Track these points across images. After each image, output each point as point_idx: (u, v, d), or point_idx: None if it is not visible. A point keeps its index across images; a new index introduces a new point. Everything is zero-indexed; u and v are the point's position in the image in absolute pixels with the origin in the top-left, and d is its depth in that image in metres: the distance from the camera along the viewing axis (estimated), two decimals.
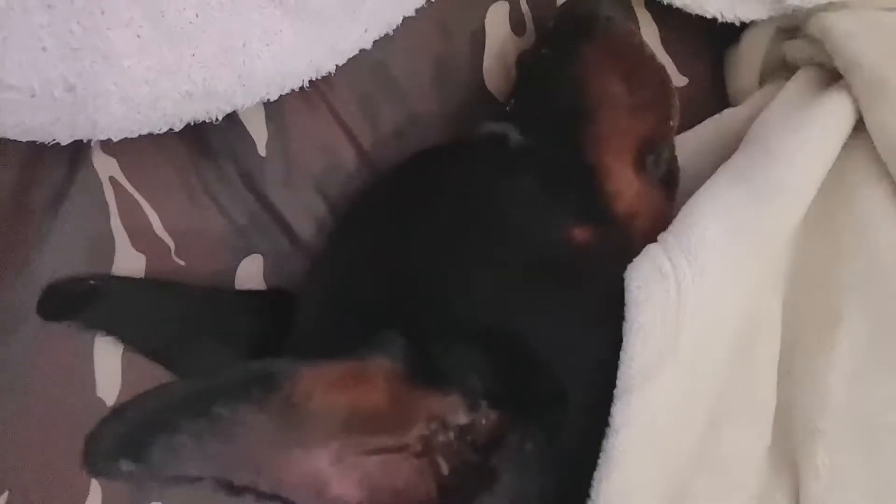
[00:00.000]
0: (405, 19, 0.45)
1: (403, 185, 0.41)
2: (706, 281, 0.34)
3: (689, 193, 0.39)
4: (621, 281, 0.34)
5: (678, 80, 0.52)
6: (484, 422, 0.31)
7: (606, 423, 0.31)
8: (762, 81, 0.51)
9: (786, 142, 0.40)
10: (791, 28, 0.49)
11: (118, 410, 0.24)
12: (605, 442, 0.31)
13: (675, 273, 0.33)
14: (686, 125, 0.47)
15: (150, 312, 0.43)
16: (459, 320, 0.33)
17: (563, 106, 0.42)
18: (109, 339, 0.42)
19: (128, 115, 0.39)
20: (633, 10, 0.51)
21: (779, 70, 0.50)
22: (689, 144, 0.46)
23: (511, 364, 0.32)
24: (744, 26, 0.50)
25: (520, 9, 0.50)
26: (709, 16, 0.48)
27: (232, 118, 0.43)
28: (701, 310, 0.33)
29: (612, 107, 0.41)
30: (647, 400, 0.32)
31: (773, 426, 0.36)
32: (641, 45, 0.44)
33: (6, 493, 0.40)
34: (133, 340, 0.42)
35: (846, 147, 0.42)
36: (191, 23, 0.38)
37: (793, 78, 0.47)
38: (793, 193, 0.38)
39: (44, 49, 0.35)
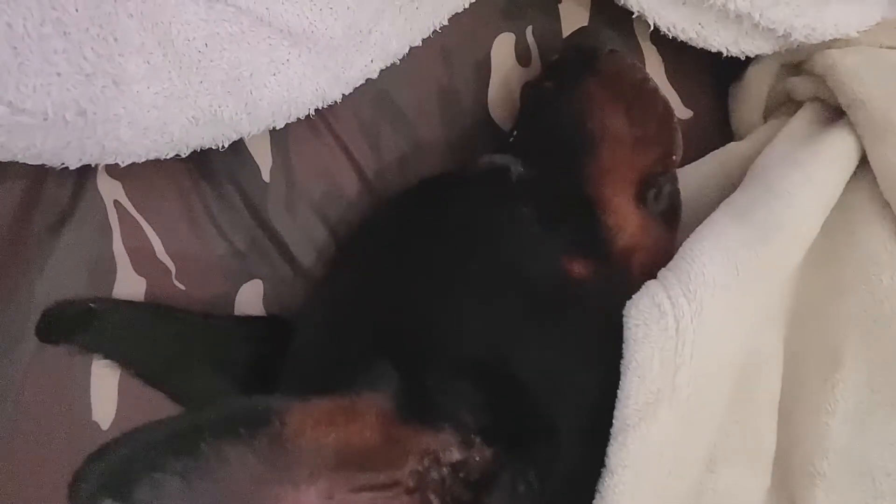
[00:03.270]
0: (411, 49, 0.46)
1: (403, 215, 0.42)
2: (705, 319, 0.34)
3: (692, 227, 0.39)
4: (619, 317, 0.34)
5: (682, 112, 0.52)
6: (477, 458, 0.30)
7: (602, 463, 0.31)
8: (766, 116, 0.51)
9: (788, 180, 0.40)
10: (795, 64, 0.49)
11: (104, 448, 0.24)
12: (600, 482, 0.31)
13: (673, 311, 0.33)
14: (689, 158, 0.47)
15: (149, 336, 0.43)
16: (453, 353, 0.33)
17: (565, 138, 0.42)
18: (107, 362, 0.42)
19: (135, 140, 0.39)
20: (639, 44, 0.52)
21: (783, 105, 0.50)
22: (692, 178, 0.46)
23: (504, 400, 0.31)
24: (748, 61, 0.50)
25: (525, 40, 0.50)
26: (714, 50, 0.48)
27: (237, 145, 0.44)
28: (700, 348, 0.33)
29: (615, 140, 0.42)
30: (644, 440, 0.31)
31: (773, 467, 0.36)
32: (645, 79, 0.44)
33: None
34: (130, 364, 0.42)
35: (850, 184, 0.41)
36: (199, 51, 0.39)
37: (797, 114, 0.47)
38: (794, 232, 0.38)
39: (58, 74, 0.36)
